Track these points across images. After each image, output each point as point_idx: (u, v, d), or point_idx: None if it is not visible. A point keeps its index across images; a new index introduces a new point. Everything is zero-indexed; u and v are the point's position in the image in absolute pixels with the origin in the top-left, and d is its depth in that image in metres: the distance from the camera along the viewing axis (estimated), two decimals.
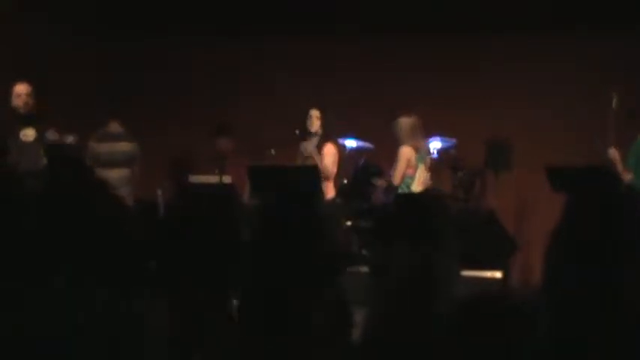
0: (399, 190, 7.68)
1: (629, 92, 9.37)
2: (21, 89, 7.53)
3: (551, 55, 9.74)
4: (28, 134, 7.42)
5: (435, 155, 8.30)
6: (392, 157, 8.23)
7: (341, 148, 8.21)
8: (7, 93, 8.76)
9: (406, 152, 7.83)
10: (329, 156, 7.90)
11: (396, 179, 7.78)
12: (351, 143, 8.34)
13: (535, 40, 9.75)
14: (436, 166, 8.38)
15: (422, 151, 7.98)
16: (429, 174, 8.00)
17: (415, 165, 7.87)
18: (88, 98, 9.73)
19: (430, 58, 9.99)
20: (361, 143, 8.43)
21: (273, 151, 8.13)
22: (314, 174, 7.35)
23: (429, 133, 8.42)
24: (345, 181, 8.15)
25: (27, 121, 7.48)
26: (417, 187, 7.77)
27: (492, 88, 9.74)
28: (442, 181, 8.49)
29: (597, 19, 9.39)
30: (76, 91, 9.68)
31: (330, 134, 7.93)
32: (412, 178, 7.87)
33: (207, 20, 10.17)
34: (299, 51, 10.12)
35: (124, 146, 8.08)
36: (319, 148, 7.93)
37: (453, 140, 8.45)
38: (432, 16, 9.75)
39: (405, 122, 7.95)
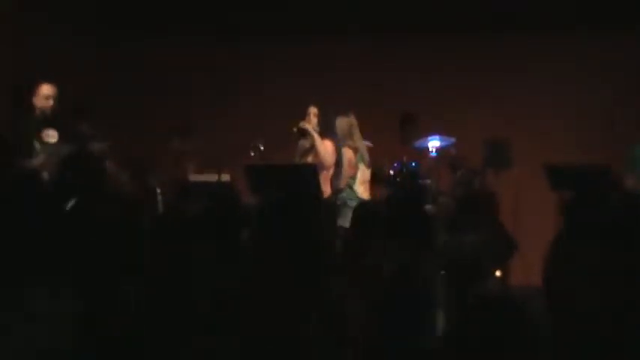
0: (343, 193, 7.71)
1: (630, 93, 9.39)
2: (49, 91, 7.42)
3: (551, 55, 9.74)
4: (51, 135, 7.36)
5: (434, 154, 8.29)
6: (390, 157, 8.25)
7: (339, 148, 8.18)
8: (8, 92, 8.80)
9: (345, 153, 7.87)
10: (327, 147, 7.89)
11: (342, 182, 7.81)
12: None
13: (535, 40, 9.74)
14: (435, 165, 8.37)
15: (361, 150, 7.96)
16: (369, 170, 7.99)
17: (356, 165, 7.89)
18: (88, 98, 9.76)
19: (430, 58, 9.98)
20: None
21: (261, 146, 8.07)
22: (312, 172, 7.31)
23: (428, 132, 8.42)
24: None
25: (50, 122, 7.42)
26: (358, 186, 7.80)
27: (492, 88, 9.74)
28: (441, 181, 8.47)
29: (597, 19, 9.39)
30: (75, 91, 9.68)
31: (327, 132, 7.90)
32: (354, 178, 7.92)
33: (207, 20, 10.17)
34: (299, 51, 10.12)
35: (96, 147, 7.98)
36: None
37: (452, 139, 8.43)
38: (432, 16, 9.76)
39: (341, 122, 7.97)
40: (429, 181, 8.18)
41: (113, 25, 10.20)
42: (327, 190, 7.85)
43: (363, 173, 7.96)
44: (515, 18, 9.58)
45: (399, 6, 9.79)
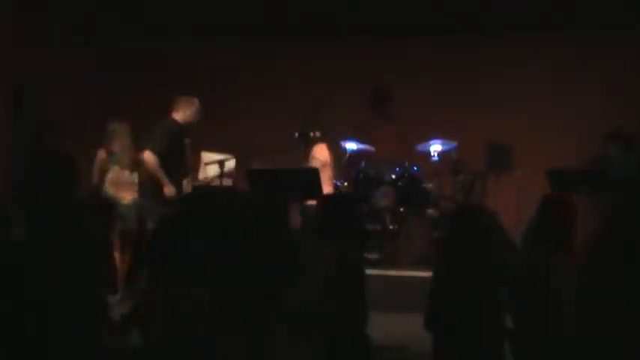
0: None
1: (631, 92, 9.40)
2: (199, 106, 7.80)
3: (551, 55, 9.74)
4: (189, 143, 7.78)
5: (436, 158, 8.27)
6: (392, 160, 8.27)
7: (337, 150, 8.19)
8: (8, 93, 8.80)
9: (98, 154, 7.95)
10: (322, 149, 7.91)
11: (94, 180, 7.86)
12: (351, 146, 8.29)
13: (535, 40, 9.75)
14: (437, 169, 8.36)
15: (117, 155, 7.92)
16: (133, 173, 8.00)
17: (107, 168, 7.90)
18: (88, 98, 9.76)
19: (431, 59, 9.96)
20: (362, 146, 8.38)
21: (255, 163, 8.14)
22: (314, 175, 7.31)
23: (430, 136, 8.39)
24: (346, 184, 8.15)
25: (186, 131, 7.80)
26: (108, 187, 7.78)
27: (493, 89, 9.74)
28: (443, 184, 8.47)
29: (597, 19, 9.39)
30: (75, 91, 9.69)
31: (326, 136, 7.91)
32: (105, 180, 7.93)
33: (207, 21, 10.15)
34: (299, 51, 10.11)
35: None
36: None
37: (454, 143, 8.40)
38: (432, 17, 9.74)
39: (111, 127, 7.99)
40: (430, 185, 8.19)
41: (113, 25, 10.19)
42: (327, 189, 7.87)
43: (117, 174, 7.94)
44: (515, 18, 9.58)
45: (399, 7, 9.77)
